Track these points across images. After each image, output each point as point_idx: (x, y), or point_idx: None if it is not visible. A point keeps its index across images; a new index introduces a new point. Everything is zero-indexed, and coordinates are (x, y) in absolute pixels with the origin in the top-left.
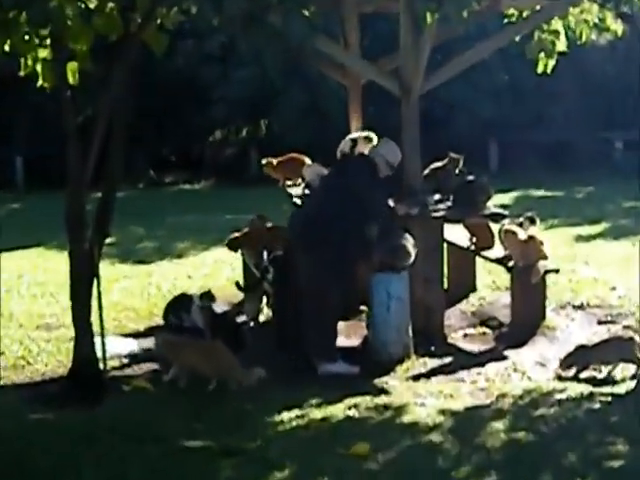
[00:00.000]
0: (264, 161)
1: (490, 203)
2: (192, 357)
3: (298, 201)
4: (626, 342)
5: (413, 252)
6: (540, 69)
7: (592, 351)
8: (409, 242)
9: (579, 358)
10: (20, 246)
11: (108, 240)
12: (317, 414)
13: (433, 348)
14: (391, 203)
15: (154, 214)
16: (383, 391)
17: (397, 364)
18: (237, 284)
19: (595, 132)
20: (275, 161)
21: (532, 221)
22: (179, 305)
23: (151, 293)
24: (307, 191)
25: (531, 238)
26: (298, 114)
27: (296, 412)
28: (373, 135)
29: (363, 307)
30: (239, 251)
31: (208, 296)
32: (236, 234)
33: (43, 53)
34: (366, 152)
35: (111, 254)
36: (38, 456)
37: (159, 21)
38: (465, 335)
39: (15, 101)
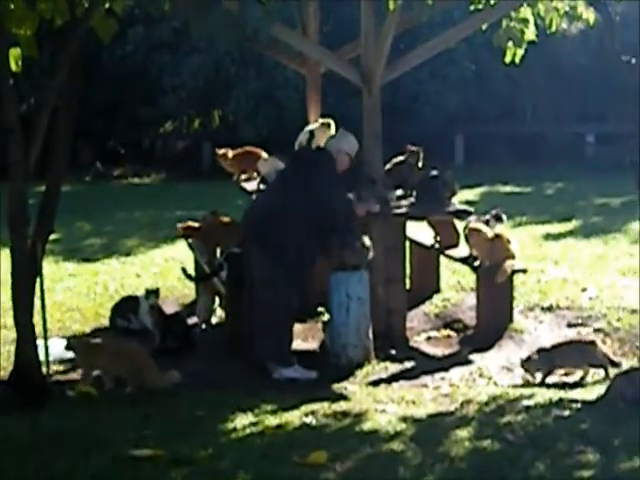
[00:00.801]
0: (220, 152)
1: (455, 199)
2: (106, 359)
3: (253, 196)
4: (587, 346)
5: (370, 250)
6: (508, 59)
7: (553, 354)
8: (366, 240)
9: (542, 362)
10: None
11: (52, 236)
12: (272, 421)
13: (394, 352)
14: (351, 198)
15: (101, 209)
16: (342, 397)
17: (357, 368)
18: (184, 270)
19: (566, 125)
20: (231, 153)
21: (499, 219)
22: (126, 307)
23: (97, 293)
24: (262, 186)
25: (498, 236)
26: (253, 104)
27: (250, 419)
28: (331, 122)
29: (321, 308)
30: (190, 242)
31: (154, 293)
32: (190, 223)
33: None
34: (322, 144)
35: (55, 251)
36: None
37: (107, 6)
38: (428, 338)
39: None
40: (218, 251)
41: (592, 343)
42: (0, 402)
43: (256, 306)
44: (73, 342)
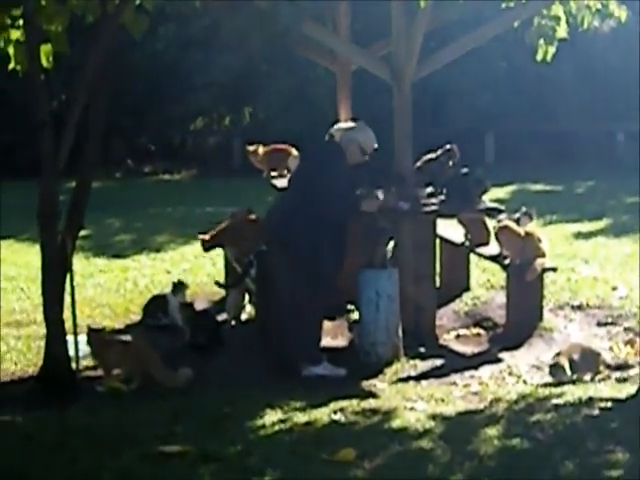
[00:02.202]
0: (251, 148)
1: (486, 197)
2: (115, 356)
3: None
4: (594, 356)
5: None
6: (539, 57)
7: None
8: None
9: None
10: None
11: (83, 233)
12: (301, 418)
13: (424, 349)
14: (380, 193)
15: (132, 206)
16: (371, 394)
17: (386, 366)
18: (217, 283)
19: (597, 123)
20: (261, 150)
21: (529, 216)
22: (156, 305)
23: (127, 289)
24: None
25: (528, 235)
26: (284, 101)
27: (279, 416)
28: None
29: (350, 306)
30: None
31: (181, 286)
32: (204, 236)
33: (15, 34)
34: (338, 138)
35: (86, 247)
36: (5, 462)
37: (138, 3)
38: (458, 336)
39: None
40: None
41: (598, 355)
42: (29, 398)
43: (282, 305)
44: (91, 336)
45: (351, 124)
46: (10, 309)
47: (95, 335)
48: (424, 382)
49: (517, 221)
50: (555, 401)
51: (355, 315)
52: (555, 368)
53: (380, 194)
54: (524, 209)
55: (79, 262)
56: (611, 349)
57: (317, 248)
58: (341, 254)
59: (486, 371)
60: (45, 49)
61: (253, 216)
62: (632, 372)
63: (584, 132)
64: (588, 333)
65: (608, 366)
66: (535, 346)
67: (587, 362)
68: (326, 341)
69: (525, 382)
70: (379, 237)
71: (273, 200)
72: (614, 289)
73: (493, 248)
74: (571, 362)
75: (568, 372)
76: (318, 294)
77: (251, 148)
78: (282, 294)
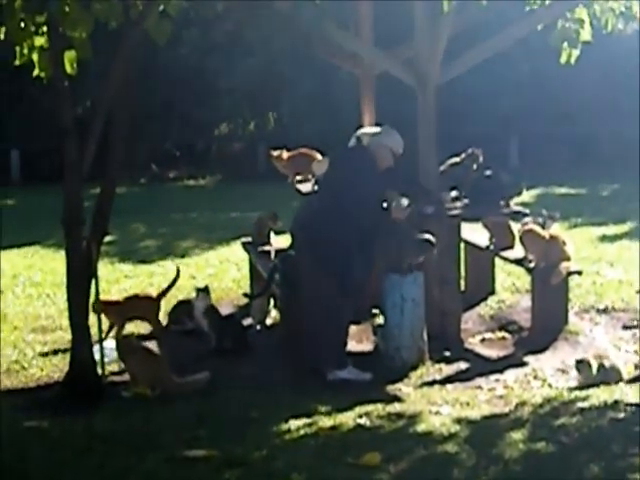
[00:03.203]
0: (275, 153)
1: (511, 201)
2: (135, 363)
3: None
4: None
5: (434, 245)
6: (563, 60)
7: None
8: (427, 236)
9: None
10: (15, 244)
11: (108, 238)
12: (326, 422)
13: (449, 353)
14: (405, 200)
15: (156, 211)
16: (396, 398)
17: (411, 370)
18: (245, 295)
19: (621, 126)
20: (286, 155)
21: (552, 219)
22: (181, 311)
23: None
24: (317, 188)
25: (553, 238)
26: (308, 106)
27: (304, 420)
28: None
29: (375, 310)
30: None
31: (204, 291)
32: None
33: (39, 41)
34: (365, 142)
35: (111, 253)
36: (33, 466)
37: (162, 8)
38: (483, 340)
39: (11, 92)
40: (272, 254)
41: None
42: (56, 403)
43: (310, 309)
44: (120, 341)
45: (377, 128)
46: (36, 315)
47: (124, 341)
48: (449, 386)
49: (542, 225)
50: (580, 404)
51: (380, 319)
52: (582, 365)
53: (405, 200)
54: (545, 212)
55: (104, 268)
56: (637, 352)
57: (348, 251)
58: (371, 258)
59: (511, 375)
60: (69, 55)
61: (279, 223)
62: None
63: (608, 135)
64: (613, 336)
65: (637, 367)
66: (560, 349)
67: (610, 373)
68: (351, 345)
69: (550, 386)
70: (405, 242)
71: (299, 205)
72: (638, 292)
73: (518, 251)
74: (599, 366)
75: (594, 372)
76: (348, 298)
77: (275, 153)
78: (311, 297)
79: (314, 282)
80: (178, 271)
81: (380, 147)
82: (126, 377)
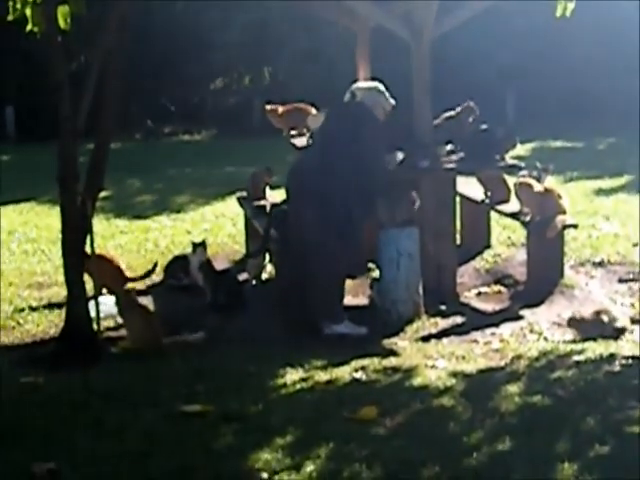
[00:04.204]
0: (269, 107)
1: (507, 155)
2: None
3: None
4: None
5: (416, 204)
6: (559, 13)
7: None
8: (413, 194)
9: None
10: (11, 200)
11: (103, 194)
12: (322, 377)
13: (444, 307)
14: (399, 154)
15: (152, 166)
16: (392, 352)
17: (407, 324)
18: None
19: (617, 79)
20: (281, 109)
21: (546, 172)
22: (177, 266)
23: (148, 250)
24: (311, 141)
25: (548, 191)
26: (303, 61)
27: (300, 374)
28: (379, 86)
29: (371, 264)
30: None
31: (201, 246)
32: None
33: None
34: (360, 97)
35: (106, 209)
36: (30, 421)
37: None
38: (479, 294)
39: (4, 48)
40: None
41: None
42: (52, 359)
43: (307, 264)
44: (121, 296)
45: (370, 83)
46: (31, 271)
47: (125, 296)
48: (445, 340)
49: (538, 178)
50: (576, 358)
51: (376, 274)
52: (574, 321)
53: (400, 154)
54: (539, 164)
55: (100, 223)
56: (633, 305)
57: (346, 204)
58: (366, 213)
59: (507, 328)
60: (62, 10)
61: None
62: None
63: (604, 89)
64: (609, 290)
65: (633, 320)
66: (556, 303)
67: (608, 327)
68: (347, 299)
69: (546, 339)
70: (399, 194)
71: (294, 159)
72: (635, 245)
73: (513, 205)
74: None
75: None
76: (347, 248)
77: (270, 107)
78: (308, 250)
79: (311, 235)
80: (155, 264)
81: (374, 105)
82: (122, 333)
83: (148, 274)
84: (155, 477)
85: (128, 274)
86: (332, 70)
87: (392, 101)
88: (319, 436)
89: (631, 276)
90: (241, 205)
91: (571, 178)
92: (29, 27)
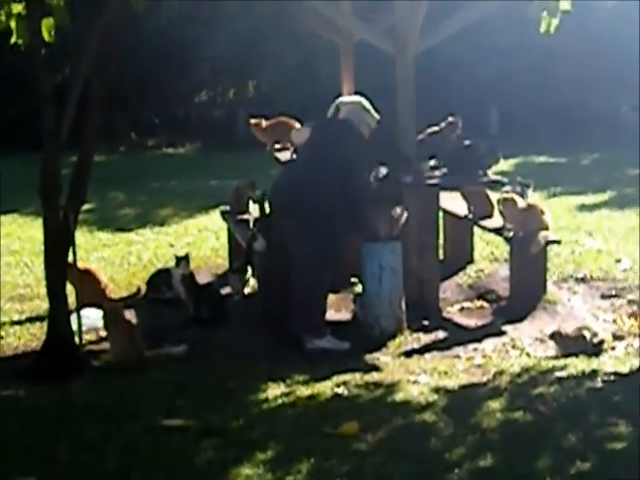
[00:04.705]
0: (253, 121)
1: (490, 170)
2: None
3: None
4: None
5: (401, 220)
6: (543, 29)
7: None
8: (397, 209)
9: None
10: None
11: (86, 207)
12: (304, 391)
13: (427, 322)
14: (383, 169)
15: (135, 179)
16: (374, 368)
17: (389, 339)
18: (231, 270)
19: (601, 95)
20: (264, 123)
21: (527, 187)
22: (159, 279)
23: (131, 263)
24: (295, 156)
25: (531, 207)
26: (288, 74)
27: (282, 389)
28: (364, 101)
29: (354, 279)
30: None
31: (184, 259)
32: None
33: (17, 8)
34: (344, 113)
35: (89, 221)
36: (10, 435)
37: None
38: (461, 309)
39: None
40: (251, 222)
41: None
42: (33, 372)
43: (290, 279)
44: (107, 308)
45: (354, 98)
46: (14, 283)
47: (110, 307)
48: (427, 355)
49: (521, 194)
50: (558, 374)
51: (359, 288)
52: (556, 336)
53: (383, 169)
54: (519, 180)
55: (83, 236)
56: (615, 322)
57: (330, 219)
58: (349, 228)
59: (489, 344)
60: (47, 23)
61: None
62: (635, 344)
63: (588, 104)
64: (592, 306)
65: (615, 336)
66: (539, 319)
67: (588, 345)
68: (330, 314)
69: (528, 355)
70: (383, 209)
71: (277, 173)
72: (618, 261)
73: (496, 221)
74: (578, 337)
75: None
76: (327, 266)
77: (254, 121)
78: (295, 264)
79: (294, 249)
80: (138, 289)
81: (360, 123)
82: (104, 346)
83: (131, 297)
84: None
85: (110, 293)
86: (316, 84)
87: (376, 116)
88: (300, 451)
89: (613, 292)
90: (224, 219)
91: (554, 194)
92: (13, 39)
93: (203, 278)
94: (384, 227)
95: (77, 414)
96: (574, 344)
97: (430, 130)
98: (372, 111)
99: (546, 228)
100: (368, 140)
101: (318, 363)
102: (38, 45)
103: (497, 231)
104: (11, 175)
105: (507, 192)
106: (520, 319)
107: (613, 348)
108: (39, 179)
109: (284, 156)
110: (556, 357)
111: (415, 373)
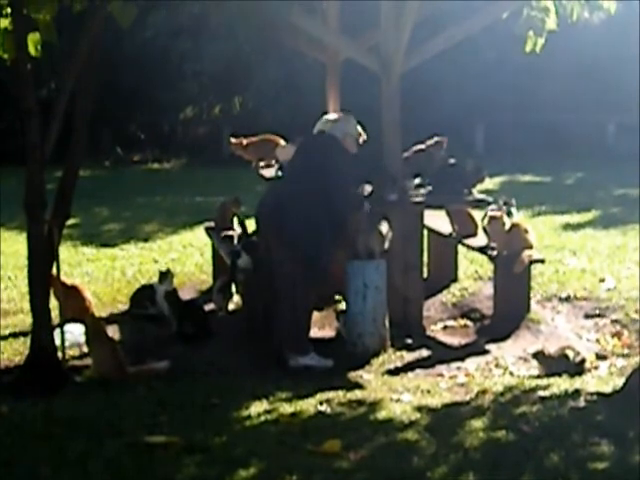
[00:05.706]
0: (233, 140)
1: (474, 189)
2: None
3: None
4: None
5: (387, 238)
6: (528, 48)
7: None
8: (383, 227)
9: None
10: None
11: (71, 221)
12: (287, 409)
13: (411, 341)
14: (366, 185)
15: (120, 194)
16: (357, 386)
17: (373, 357)
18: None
19: (586, 115)
20: (245, 141)
21: (509, 206)
22: (142, 295)
23: (115, 278)
24: (280, 173)
25: (515, 226)
26: (274, 91)
27: (265, 406)
28: (349, 117)
29: (338, 296)
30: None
31: (167, 275)
32: None
33: (3, 23)
34: (327, 129)
35: (74, 236)
36: None
37: None
38: (445, 327)
39: None
40: (235, 239)
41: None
42: (15, 387)
43: (275, 296)
44: (89, 324)
45: (339, 115)
46: None
47: (93, 324)
48: (410, 373)
49: (508, 213)
50: (541, 393)
51: (342, 306)
52: (539, 356)
53: (368, 187)
54: (503, 198)
55: (67, 251)
56: (598, 341)
57: (316, 237)
58: (334, 246)
59: (473, 363)
60: (33, 38)
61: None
62: (618, 364)
63: (574, 123)
64: (575, 325)
65: (598, 356)
66: (522, 338)
67: (570, 364)
68: (313, 331)
69: (511, 374)
70: (367, 227)
71: (263, 189)
72: (602, 281)
73: (481, 239)
74: (561, 356)
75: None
76: (312, 283)
77: (234, 140)
78: (279, 281)
79: (279, 267)
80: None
81: (345, 136)
82: (87, 362)
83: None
84: None
85: (93, 309)
86: (302, 101)
87: (362, 132)
88: (283, 468)
89: (597, 312)
90: (209, 235)
91: (539, 212)
92: None
93: (187, 294)
94: (370, 244)
95: (60, 430)
96: (557, 363)
97: (415, 148)
98: (357, 126)
99: (530, 247)
100: (353, 156)
101: (301, 380)
102: (24, 60)
103: (481, 250)
104: None
105: (494, 210)
106: (504, 338)
107: (596, 368)
108: (24, 194)
109: (269, 173)
110: (539, 376)
111: (398, 391)
